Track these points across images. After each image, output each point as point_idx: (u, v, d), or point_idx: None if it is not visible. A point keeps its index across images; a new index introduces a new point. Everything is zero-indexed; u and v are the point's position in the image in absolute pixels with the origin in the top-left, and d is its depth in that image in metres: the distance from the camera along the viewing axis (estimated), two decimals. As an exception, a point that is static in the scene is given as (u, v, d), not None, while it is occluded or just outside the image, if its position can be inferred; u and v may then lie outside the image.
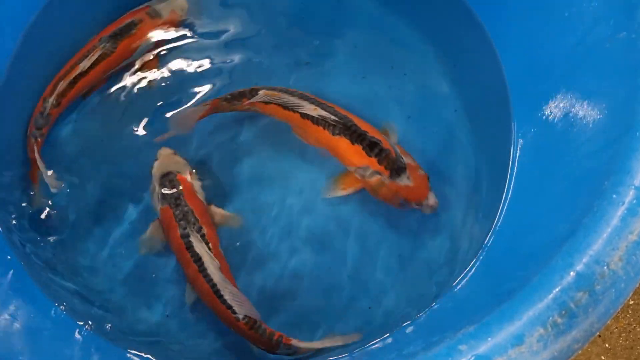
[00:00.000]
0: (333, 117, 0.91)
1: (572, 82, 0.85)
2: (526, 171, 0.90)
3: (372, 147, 0.91)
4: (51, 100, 0.97)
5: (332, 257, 0.93)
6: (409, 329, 0.83)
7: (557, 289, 0.55)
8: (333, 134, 0.91)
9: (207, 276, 0.85)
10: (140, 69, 1.04)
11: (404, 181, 0.91)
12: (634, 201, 0.58)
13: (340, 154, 0.94)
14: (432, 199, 0.92)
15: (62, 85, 0.97)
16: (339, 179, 0.96)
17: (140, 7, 1.06)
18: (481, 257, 0.87)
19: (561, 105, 0.86)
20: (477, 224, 0.93)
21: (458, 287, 0.85)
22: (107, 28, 1.04)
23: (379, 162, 0.91)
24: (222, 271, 0.86)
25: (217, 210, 0.96)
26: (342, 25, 1.07)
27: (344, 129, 0.92)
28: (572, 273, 0.55)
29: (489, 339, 0.53)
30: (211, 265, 0.86)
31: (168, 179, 0.94)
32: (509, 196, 0.91)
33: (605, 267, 0.55)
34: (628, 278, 0.55)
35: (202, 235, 0.89)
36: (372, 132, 0.93)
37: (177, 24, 1.07)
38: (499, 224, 0.90)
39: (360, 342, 0.84)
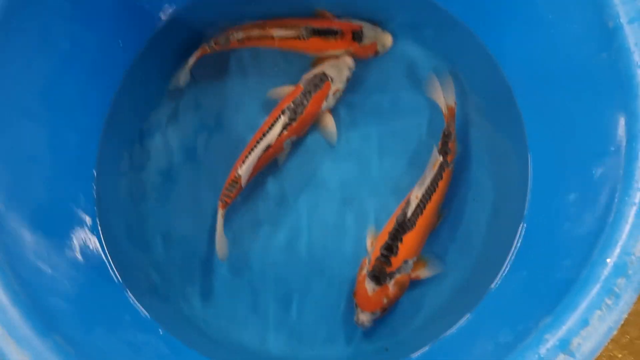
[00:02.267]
0: None
1: (571, 93, 0.96)
2: (544, 183, 1.03)
3: (388, 248, 1.01)
4: (240, 35, 1.13)
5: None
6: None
7: (602, 278, 0.74)
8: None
9: (261, 139, 1.06)
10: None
11: (368, 287, 0.99)
12: (642, 200, 0.76)
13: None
14: (364, 317, 1.00)
15: (255, 32, 1.13)
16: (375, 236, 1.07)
17: (355, 22, 1.16)
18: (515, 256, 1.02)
19: (563, 115, 0.98)
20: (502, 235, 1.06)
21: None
22: (318, 19, 1.15)
23: (376, 256, 1.01)
24: (268, 151, 1.06)
25: (328, 118, 1.12)
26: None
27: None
28: (610, 265, 0.74)
29: (563, 327, 0.73)
30: (269, 138, 1.06)
31: (321, 76, 1.11)
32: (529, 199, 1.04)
33: (632, 256, 0.74)
34: (650, 259, 0.75)
35: (288, 125, 1.07)
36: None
37: (367, 56, 1.16)
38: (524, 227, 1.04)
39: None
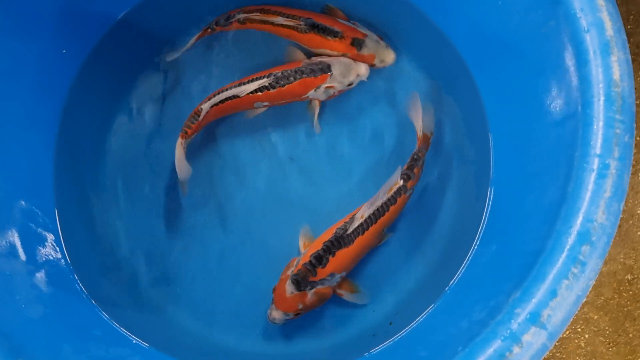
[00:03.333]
0: None
1: (524, 64, 0.97)
2: (507, 155, 1.04)
3: (318, 258, 0.98)
4: (242, 16, 1.12)
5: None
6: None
7: (567, 247, 0.74)
8: None
9: (235, 86, 1.06)
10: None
11: (288, 289, 0.97)
12: (600, 166, 0.76)
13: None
14: (276, 314, 0.99)
15: (255, 16, 1.12)
16: (310, 240, 1.07)
17: (360, 28, 1.13)
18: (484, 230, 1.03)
19: (518, 87, 0.99)
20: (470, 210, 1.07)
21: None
22: (323, 16, 1.13)
23: (304, 262, 0.99)
24: (235, 100, 1.06)
25: (315, 105, 1.11)
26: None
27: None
28: (573, 233, 0.75)
29: (533, 299, 0.73)
30: (241, 89, 1.06)
31: (323, 66, 1.08)
32: (493, 171, 1.05)
33: (595, 222, 0.75)
34: (611, 224, 0.74)
35: (265, 88, 1.06)
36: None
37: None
38: (491, 199, 1.04)
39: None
